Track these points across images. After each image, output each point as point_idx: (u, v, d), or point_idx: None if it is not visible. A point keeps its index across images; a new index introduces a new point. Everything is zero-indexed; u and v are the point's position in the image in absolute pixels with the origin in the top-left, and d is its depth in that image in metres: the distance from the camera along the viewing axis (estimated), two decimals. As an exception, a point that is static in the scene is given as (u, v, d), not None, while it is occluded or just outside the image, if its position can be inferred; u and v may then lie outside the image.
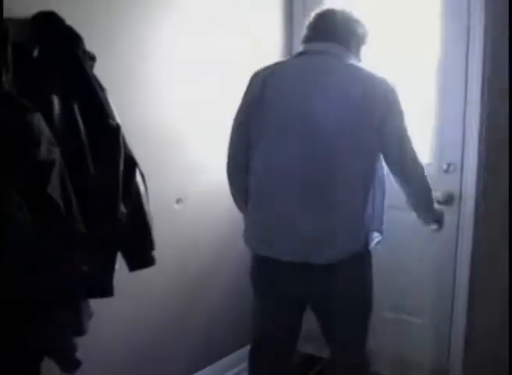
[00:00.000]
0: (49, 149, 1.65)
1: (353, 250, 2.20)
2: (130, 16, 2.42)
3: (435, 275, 3.05)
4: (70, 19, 1.93)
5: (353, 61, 2.25)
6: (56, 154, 1.69)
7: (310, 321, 2.49)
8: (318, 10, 2.36)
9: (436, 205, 2.54)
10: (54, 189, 1.65)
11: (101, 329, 2.24)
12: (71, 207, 1.74)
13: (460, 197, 2.90)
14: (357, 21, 2.30)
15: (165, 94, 2.64)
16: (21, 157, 1.61)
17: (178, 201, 2.75)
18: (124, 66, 2.41)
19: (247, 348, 2.47)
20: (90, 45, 1.99)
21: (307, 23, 2.36)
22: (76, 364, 1.89)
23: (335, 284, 2.23)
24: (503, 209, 2.65)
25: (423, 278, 3.09)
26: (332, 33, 2.26)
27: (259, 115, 2.24)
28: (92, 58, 2.03)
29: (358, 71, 2.21)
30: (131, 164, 2.03)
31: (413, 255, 3.07)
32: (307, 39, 2.32)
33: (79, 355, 1.93)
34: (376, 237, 2.34)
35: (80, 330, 1.91)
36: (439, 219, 2.59)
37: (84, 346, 1.98)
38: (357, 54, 2.32)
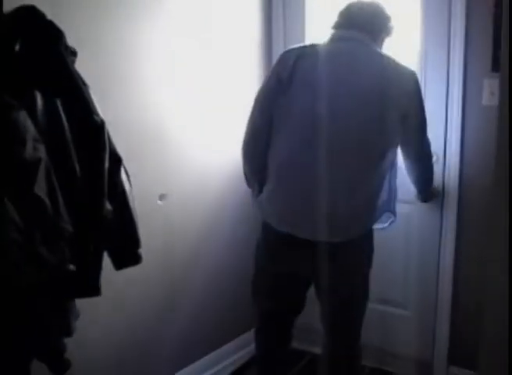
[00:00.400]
0: (35, 147, 1.62)
1: (367, 230, 2.32)
2: (113, 12, 2.39)
3: (419, 267, 3.07)
4: (51, 15, 1.89)
5: (379, 50, 2.32)
6: (42, 152, 1.65)
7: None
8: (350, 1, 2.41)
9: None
10: (40, 188, 1.61)
11: (84, 327, 2.20)
12: (58, 206, 1.70)
13: (443, 188, 2.91)
14: (387, 16, 2.37)
15: (149, 90, 2.61)
16: (6, 156, 1.57)
17: (161, 197, 2.72)
18: (107, 61, 2.38)
19: (231, 344, 2.48)
20: (71, 40, 1.95)
21: (339, 11, 2.40)
22: (66, 366, 1.86)
23: (345, 261, 2.30)
24: (484, 198, 2.68)
25: (408, 270, 3.11)
26: (363, 23, 2.31)
27: (286, 93, 2.26)
28: (73, 54, 1.98)
29: (386, 59, 2.27)
30: (116, 160, 1.99)
31: (398, 247, 3.09)
32: (339, 25, 2.37)
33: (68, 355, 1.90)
34: (389, 217, 2.46)
35: (69, 331, 1.87)
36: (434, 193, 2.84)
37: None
38: (381, 46, 2.39)
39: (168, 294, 2.84)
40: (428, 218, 2.99)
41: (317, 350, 3.01)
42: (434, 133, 2.63)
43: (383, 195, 2.35)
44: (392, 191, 2.41)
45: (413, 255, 3.07)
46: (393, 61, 2.28)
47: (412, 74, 2.27)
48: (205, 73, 2.88)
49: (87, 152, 1.88)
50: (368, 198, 2.26)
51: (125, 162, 2.06)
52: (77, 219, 1.82)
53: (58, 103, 1.83)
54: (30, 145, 1.60)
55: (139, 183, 2.27)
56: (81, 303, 1.98)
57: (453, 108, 2.79)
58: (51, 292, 1.77)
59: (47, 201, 1.64)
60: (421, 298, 3.09)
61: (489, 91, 2.60)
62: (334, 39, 2.33)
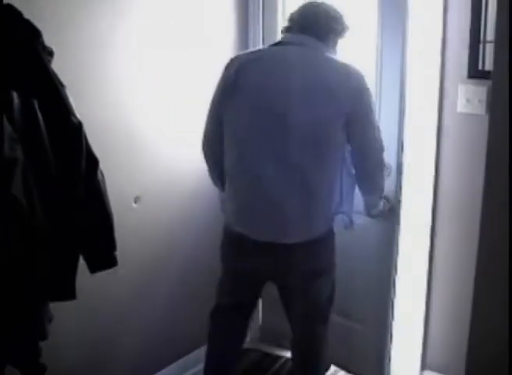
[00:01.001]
0: (12, 147, 1.59)
1: (323, 231, 2.34)
2: (89, 12, 2.36)
3: (375, 282, 2.96)
4: (27, 14, 1.85)
5: (328, 54, 2.32)
6: (18, 152, 1.62)
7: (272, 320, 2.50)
8: (302, 2, 2.46)
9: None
10: (17, 188, 1.59)
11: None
12: (34, 207, 1.67)
13: (399, 202, 2.81)
14: (336, 17, 2.37)
15: (123, 91, 2.58)
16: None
17: (136, 200, 2.70)
18: (81, 62, 2.36)
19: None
20: (47, 40, 1.92)
21: (289, 13, 2.43)
22: (42, 370, 1.83)
23: (302, 265, 2.36)
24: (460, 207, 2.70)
25: (366, 284, 2.99)
26: (311, 27, 2.32)
27: (232, 102, 2.31)
28: (50, 54, 1.96)
29: (332, 62, 2.29)
30: (93, 162, 1.97)
31: (357, 260, 2.95)
32: (287, 29, 2.40)
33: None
34: (344, 221, 2.48)
35: (43, 335, 1.84)
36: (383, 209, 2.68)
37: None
38: (333, 47, 2.39)
39: (141, 296, 2.82)
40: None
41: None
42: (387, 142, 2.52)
43: (335, 196, 2.36)
44: (344, 193, 2.42)
45: (369, 270, 2.94)
46: (340, 63, 2.29)
47: (357, 76, 2.27)
48: (180, 73, 2.84)
49: (63, 153, 1.86)
50: (316, 199, 2.29)
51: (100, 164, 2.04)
52: (53, 221, 1.80)
53: (36, 104, 1.81)
54: (6, 145, 1.57)
55: (114, 186, 2.23)
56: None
57: (428, 115, 2.74)
58: (26, 296, 1.74)
59: (23, 201, 1.62)
60: (376, 314, 2.99)
61: (465, 98, 2.61)
62: (282, 43, 2.38)
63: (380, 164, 2.41)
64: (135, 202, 2.70)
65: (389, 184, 2.66)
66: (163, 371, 3.03)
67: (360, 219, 2.61)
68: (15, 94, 1.73)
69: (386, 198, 2.69)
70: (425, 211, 2.83)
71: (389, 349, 2.97)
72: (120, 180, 2.55)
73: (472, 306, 2.15)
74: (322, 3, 2.41)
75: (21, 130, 1.72)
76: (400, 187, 2.79)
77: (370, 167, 2.40)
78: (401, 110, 2.72)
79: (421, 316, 2.95)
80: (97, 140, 2.09)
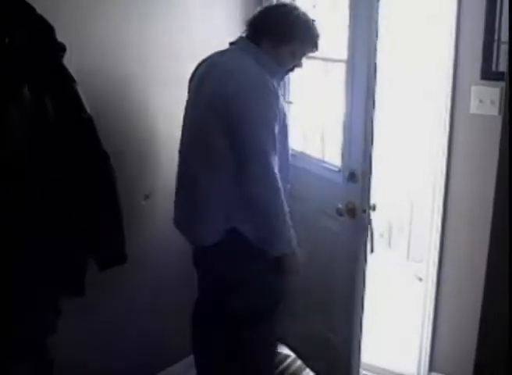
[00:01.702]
0: (23, 139, 1.60)
1: (218, 237, 2.27)
2: (103, 9, 2.37)
3: (343, 293, 2.72)
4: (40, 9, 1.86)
5: (262, 58, 2.25)
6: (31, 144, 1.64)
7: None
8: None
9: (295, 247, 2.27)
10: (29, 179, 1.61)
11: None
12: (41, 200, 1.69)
13: (367, 208, 2.52)
14: (288, 21, 2.27)
15: (134, 87, 2.58)
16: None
17: (145, 197, 2.70)
18: (93, 57, 2.35)
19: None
20: (59, 36, 1.92)
21: None
22: (50, 363, 1.84)
23: (213, 270, 2.42)
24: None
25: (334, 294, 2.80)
26: (250, 28, 2.32)
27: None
28: (63, 49, 1.96)
29: (241, 66, 2.22)
30: (104, 158, 1.98)
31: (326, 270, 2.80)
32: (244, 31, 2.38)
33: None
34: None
35: (54, 328, 1.86)
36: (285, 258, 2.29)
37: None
38: (270, 52, 2.29)
39: (152, 294, 2.82)
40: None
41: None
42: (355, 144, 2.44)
43: (231, 201, 2.22)
44: (251, 201, 2.17)
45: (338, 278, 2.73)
46: (249, 68, 2.19)
47: (240, 82, 2.15)
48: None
49: (74, 148, 1.86)
50: (207, 203, 2.27)
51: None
52: (63, 216, 1.82)
53: (47, 99, 1.81)
54: (19, 136, 1.58)
55: (123, 182, 2.23)
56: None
57: (440, 116, 2.73)
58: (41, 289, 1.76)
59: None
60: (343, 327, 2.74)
61: (478, 99, 2.60)
62: (228, 46, 2.39)
63: (255, 202, 2.15)
64: (144, 200, 2.70)
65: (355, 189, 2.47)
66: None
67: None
68: (26, 89, 1.74)
69: None
70: (436, 211, 2.82)
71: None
72: (130, 178, 2.55)
73: (481, 310, 2.15)
74: (272, 7, 2.41)
75: (32, 124, 1.73)
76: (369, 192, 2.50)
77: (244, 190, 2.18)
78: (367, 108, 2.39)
79: (430, 320, 2.96)
80: (109, 137, 2.10)
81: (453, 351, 2.88)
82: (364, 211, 2.48)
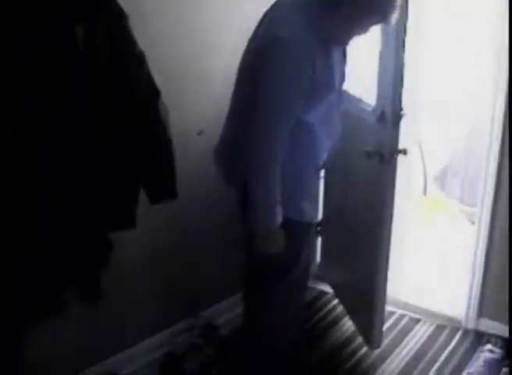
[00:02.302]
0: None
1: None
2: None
3: (369, 237, 2.76)
4: None
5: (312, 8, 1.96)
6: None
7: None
8: None
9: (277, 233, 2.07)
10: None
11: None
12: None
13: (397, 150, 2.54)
14: None
15: (188, 27, 2.58)
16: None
17: (199, 132, 2.70)
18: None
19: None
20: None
21: None
22: (99, 295, 1.90)
23: None
24: None
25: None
26: None
27: None
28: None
29: (283, 17, 1.99)
30: (155, 92, 1.97)
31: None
32: None
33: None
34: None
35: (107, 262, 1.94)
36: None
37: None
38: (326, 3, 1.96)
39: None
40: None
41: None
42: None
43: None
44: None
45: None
46: (285, 20, 1.97)
47: (278, 37, 1.92)
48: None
49: (126, 82, 1.87)
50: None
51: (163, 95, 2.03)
52: (115, 153, 1.88)
53: (99, 32, 1.80)
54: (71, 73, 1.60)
55: (177, 117, 2.23)
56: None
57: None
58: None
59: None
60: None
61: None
62: None
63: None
64: (198, 135, 2.69)
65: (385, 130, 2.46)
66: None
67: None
68: (81, 26, 1.73)
69: None
70: (492, 157, 2.80)
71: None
72: (184, 113, 2.56)
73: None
74: None
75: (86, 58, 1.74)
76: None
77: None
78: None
79: (482, 265, 2.95)
80: (162, 72, 2.09)
81: (504, 298, 2.85)
82: (392, 154, 2.47)
